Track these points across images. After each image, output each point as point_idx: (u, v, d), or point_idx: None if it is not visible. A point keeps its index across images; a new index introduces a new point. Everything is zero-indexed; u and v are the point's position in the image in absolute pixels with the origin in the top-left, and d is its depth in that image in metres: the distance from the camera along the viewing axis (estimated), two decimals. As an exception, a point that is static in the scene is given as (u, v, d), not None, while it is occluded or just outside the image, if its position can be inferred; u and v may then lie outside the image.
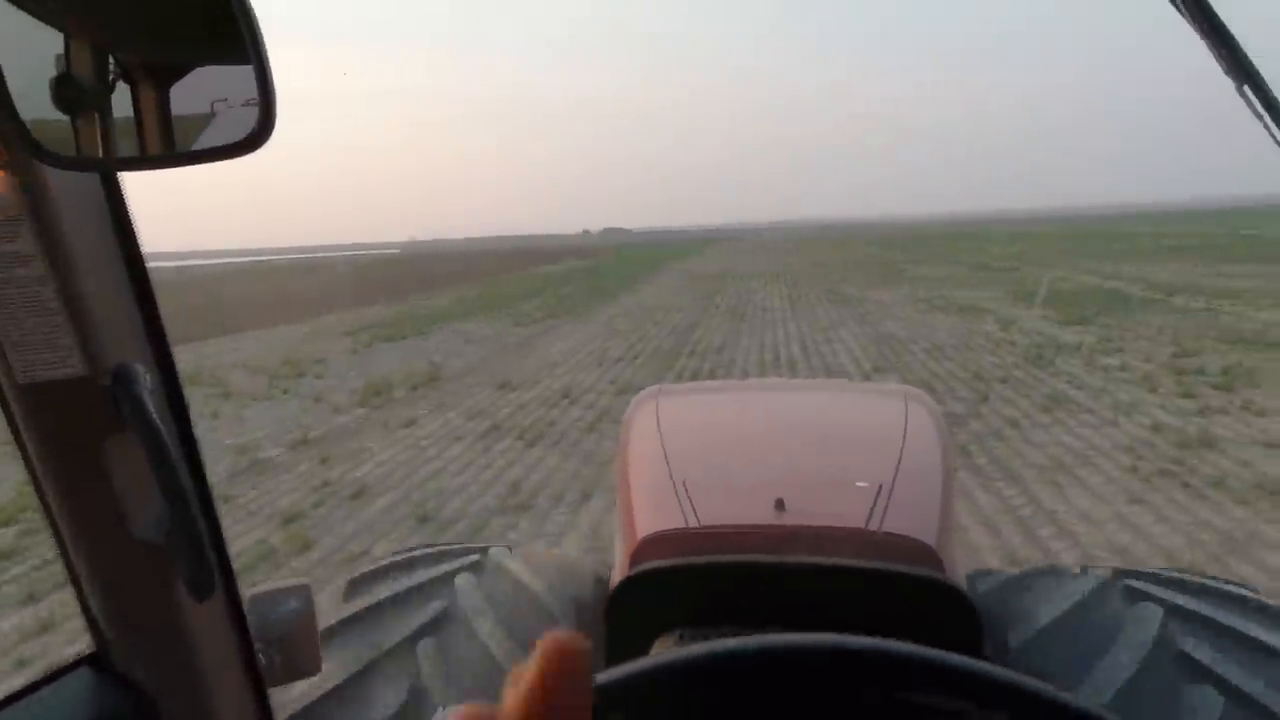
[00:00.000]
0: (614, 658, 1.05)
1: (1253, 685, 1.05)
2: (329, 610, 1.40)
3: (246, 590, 0.79)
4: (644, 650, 1.00)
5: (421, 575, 1.43)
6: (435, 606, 1.33)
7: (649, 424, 1.64)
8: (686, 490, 1.30)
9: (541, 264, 45.39)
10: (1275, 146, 0.52)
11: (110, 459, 0.63)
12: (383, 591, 1.40)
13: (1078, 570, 1.41)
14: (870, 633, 0.54)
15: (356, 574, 1.53)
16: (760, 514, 1.21)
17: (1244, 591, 1.33)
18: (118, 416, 0.60)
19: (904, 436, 1.50)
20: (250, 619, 0.77)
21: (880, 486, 1.27)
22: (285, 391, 9.71)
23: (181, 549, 0.63)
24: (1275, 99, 0.52)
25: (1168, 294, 15.26)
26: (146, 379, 0.62)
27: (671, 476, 1.36)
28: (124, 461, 0.63)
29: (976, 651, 1.00)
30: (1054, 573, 1.43)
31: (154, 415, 0.60)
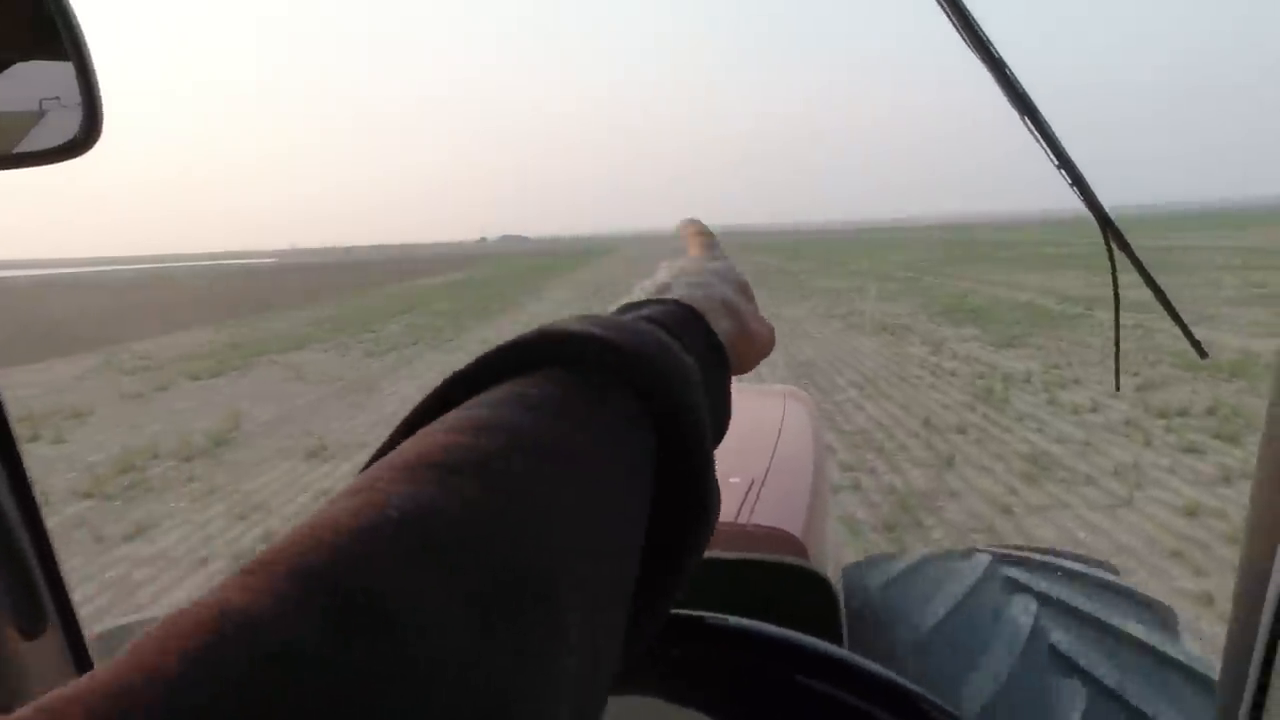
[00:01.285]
0: None
1: (1113, 675, 1.06)
2: None
3: (94, 627, 0.69)
4: None
5: None
6: None
7: None
8: None
9: (432, 274, 42.09)
10: (1054, 169, 0.65)
11: None
12: None
13: (958, 555, 1.39)
14: None
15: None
16: None
17: (1109, 576, 1.33)
18: None
19: (778, 434, 1.58)
20: (97, 661, 0.63)
21: (752, 481, 1.35)
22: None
23: (2, 582, 0.59)
24: (1048, 125, 0.63)
25: (1086, 307, 14.41)
26: None
27: None
28: None
29: (835, 635, 1.04)
30: (935, 559, 1.41)
31: None
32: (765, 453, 1.46)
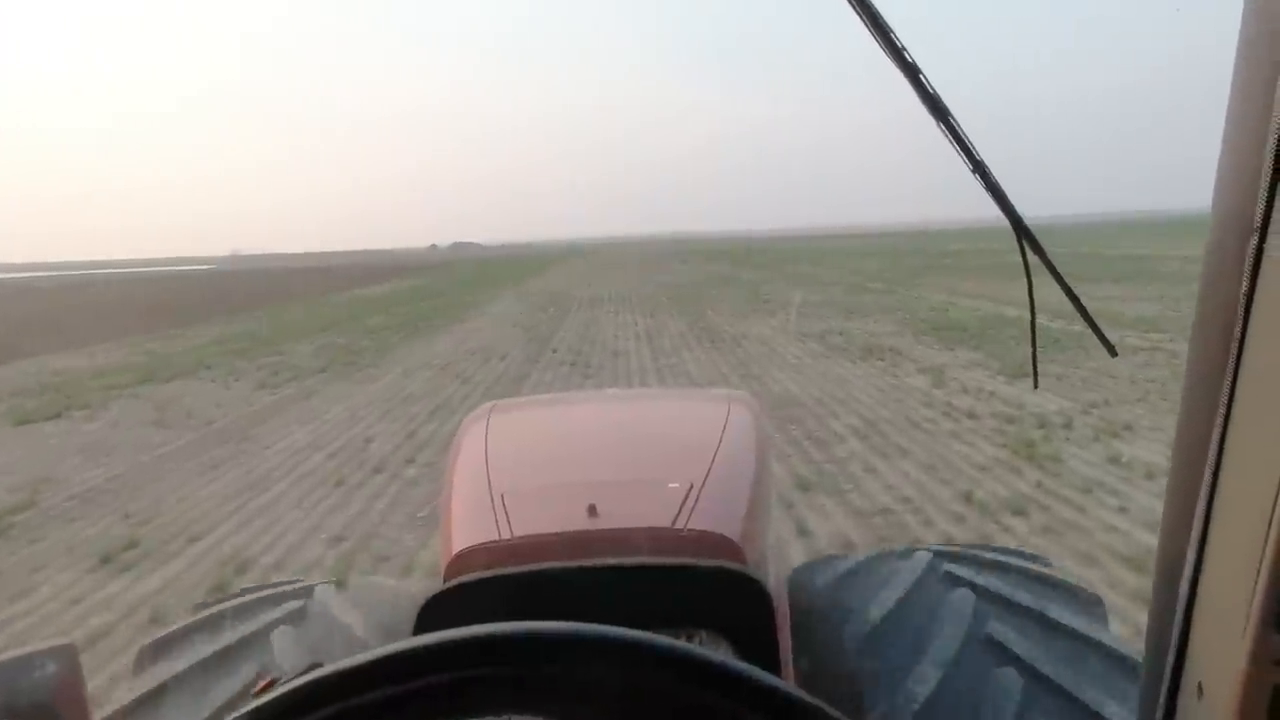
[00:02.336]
0: None
1: (1045, 662, 1.15)
2: (119, 685, 1.04)
3: None
4: None
5: (234, 632, 1.33)
6: (248, 670, 1.23)
7: (476, 441, 1.64)
8: (504, 503, 1.31)
9: (377, 281, 39.45)
10: (969, 173, 0.70)
11: None
12: (186, 657, 1.29)
13: (900, 553, 1.47)
14: (667, 625, 0.54)
15: (153, 637, 1.39)
16: (574, 520, 1.22)
17: (1043, 569, 1.41)
18: None
19: (721, 437, 1.56)
20: None
21: (691, 486, 1.32)
22: None
23: None
24: (963, 132, 0.68)
25: (1071, 321, 13.01)
26: None
27: (491, 490, 1.37)
28: None
29: (769, 637, 1.04)
30: (878, 558, 1.48)
31: None
32: (705, 457, 1.44)
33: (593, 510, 1.24)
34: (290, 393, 10.16)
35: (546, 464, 1.59)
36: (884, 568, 1.41)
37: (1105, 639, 1.20)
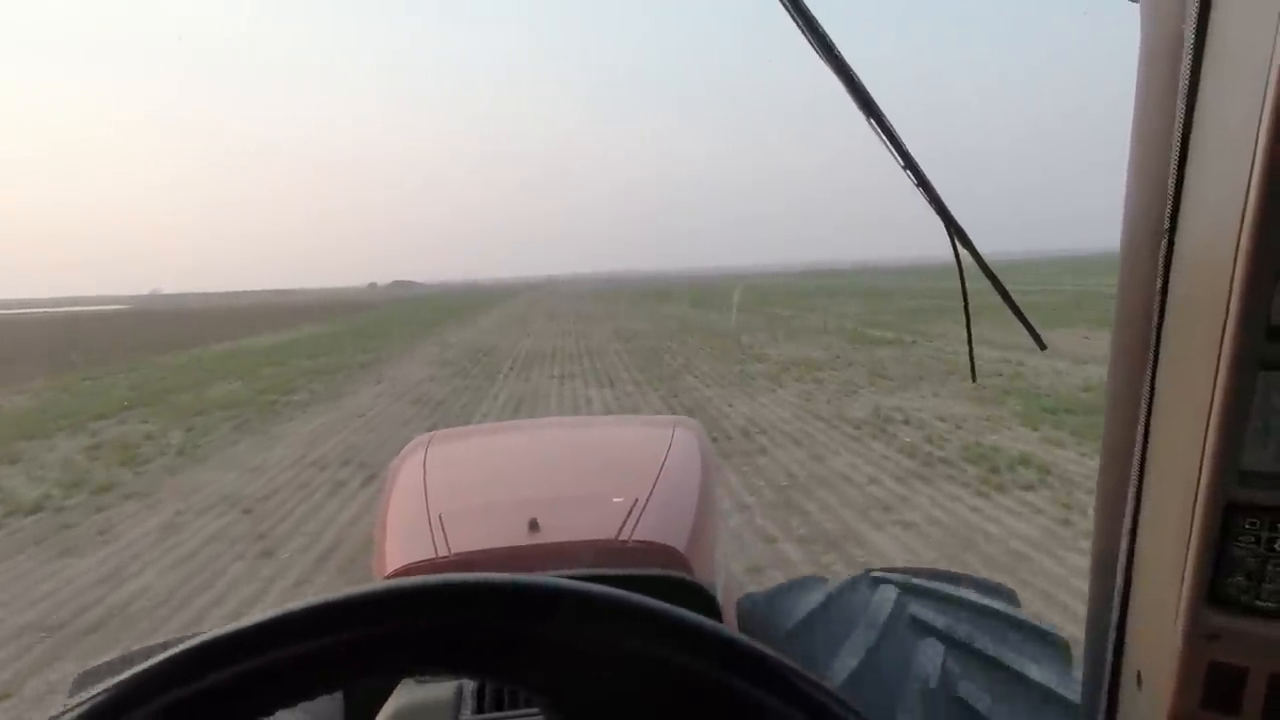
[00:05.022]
0: (352, 699, 1.04)
1: (963, 631, 1.23)
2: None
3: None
4: (382, 695, 0.93)
5: None
6: None
7: (414, 468, 1.62)
8: (442, 523, 1.28)
9: (281, 327, 33.60)
10: (932, 214, 0.71)
11: None
12: None
13: (851, 583, 1.47)
14: None
15: (87, 667, 1.32)
16: (516, 535, 1.20)
17: (1005, 607, 1.40)
18: None
19: (665, 457, 1.57)
20: None
21: (635, 500, 1.31)
22: None
23: None
24: (927, 178, 0.70)
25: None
26: None
27: (428, 512, 1.34)
28: None
29: None
30: (814, 579, 1.52)
31: None
32: (650, 473, 1.46)
33: (534, 525, 1.23)
34: (81, 511, 4.91)
35: (488, 484, 1.58)
36: (846, 598, 1.37)
37: (1027, 619, 1.30)
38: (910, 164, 0.70)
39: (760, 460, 7.34)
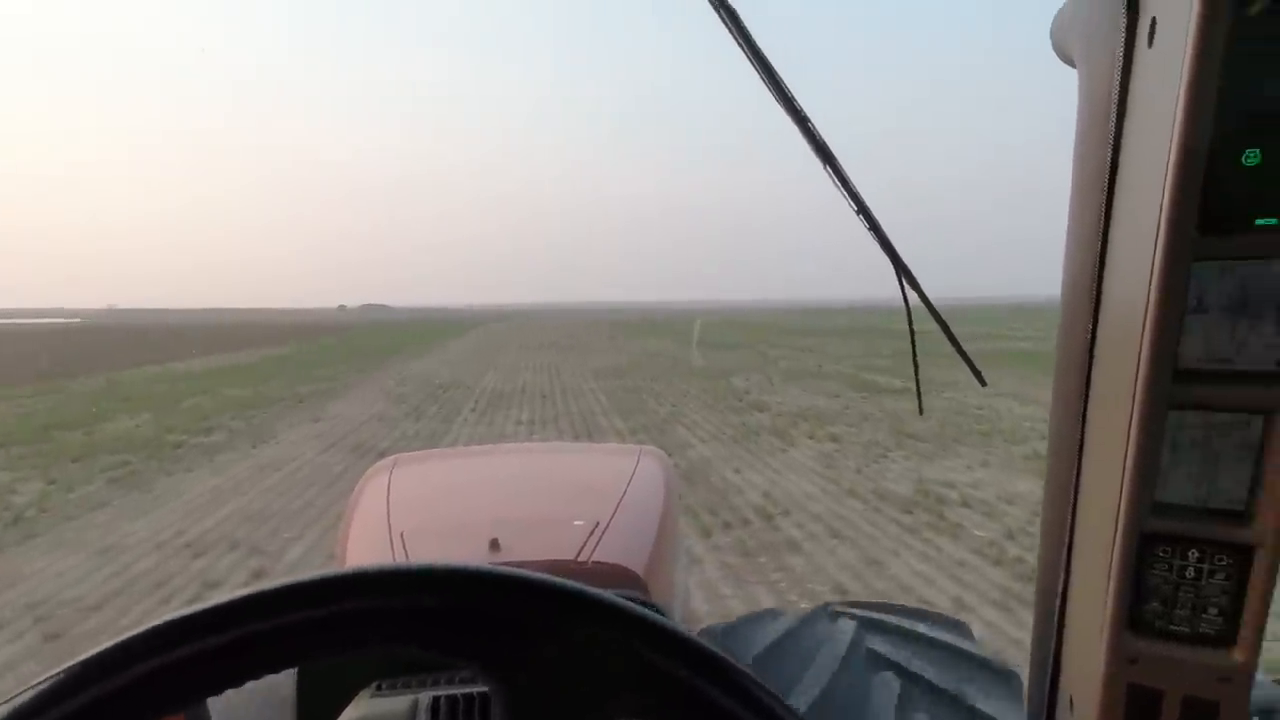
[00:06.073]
0: (305, 712, 1.05)
1: (919, 666, 1.20)
2: None
3: None
4: (336, 710, 0.94)
5: None
6: None
7: (378, 490, 1.62)
8: (403, 543, 1.29)
9: (231, 348, 31.09)
10: (880, 252, 0.74)
11: None
12: None
13: (811, 616, 1.45)
14: None
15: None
16: (475, 555, 1.19)
17: (961, 641, 1.40)
18: None
19: (628, 483, 1.59)
20: None
21: (597, 523, 1.33)
22: None
23: None
24: (878, 222, 0.72)
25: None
26: None
27: (390, 530, 1.35)
28: None
29: None
30: (773, 611, 1.50)
31: None
32: (613, 499, 1.47)
33: (494, 545, 1.24)
34: None
35: (451, 505, 1.60)
36: (805, 631, 1.35)
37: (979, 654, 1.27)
38: (863, 209, 0.74)
39: (793, 561, 5.45)
